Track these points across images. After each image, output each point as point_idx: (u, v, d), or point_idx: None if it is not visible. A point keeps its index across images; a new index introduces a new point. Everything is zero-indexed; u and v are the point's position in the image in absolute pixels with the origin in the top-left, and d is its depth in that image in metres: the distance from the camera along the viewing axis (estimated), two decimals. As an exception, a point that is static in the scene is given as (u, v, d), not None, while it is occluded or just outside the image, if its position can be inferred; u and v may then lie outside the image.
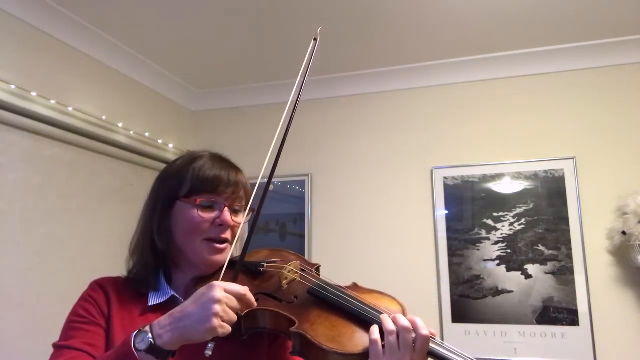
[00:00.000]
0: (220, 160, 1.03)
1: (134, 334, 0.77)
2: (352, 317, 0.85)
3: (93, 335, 0.89)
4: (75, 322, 0.91)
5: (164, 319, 0.78)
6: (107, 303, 0.94)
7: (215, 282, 0.78)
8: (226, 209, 0.98)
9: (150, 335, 0.76)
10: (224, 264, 0.90)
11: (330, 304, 0.88)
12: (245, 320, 0.85)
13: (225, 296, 0.76)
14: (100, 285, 0.97)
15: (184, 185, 0.98)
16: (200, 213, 0.96)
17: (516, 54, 2.58)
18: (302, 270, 0.99)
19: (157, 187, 1.03)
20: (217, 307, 0.74)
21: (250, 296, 0.82)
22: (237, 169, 1.04)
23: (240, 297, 0.79)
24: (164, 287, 0.97)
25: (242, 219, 1.02)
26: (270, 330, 0.88)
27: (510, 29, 2.35)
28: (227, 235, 0.98)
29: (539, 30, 2.37)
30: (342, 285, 0.95)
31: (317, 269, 1.03)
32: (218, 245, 0.97)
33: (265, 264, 0.99)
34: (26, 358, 1.87)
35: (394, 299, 0.92)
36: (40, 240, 2.03)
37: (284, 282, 0.94)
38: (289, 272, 0.96)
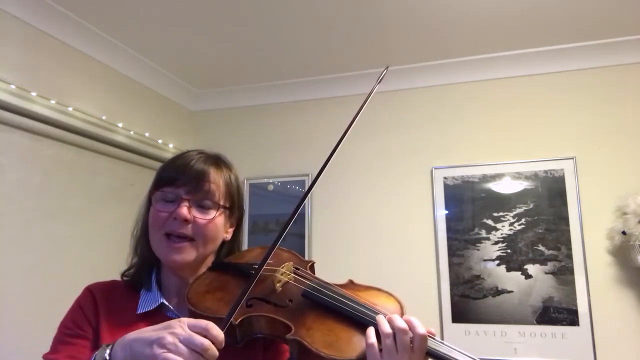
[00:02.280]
0: (197, 154, 0.97)
1: (97, 352, 0.75)
2: (348, 320, 0.83)
3: (79, 348, 0.88)
4: (62, 335, 0.91)
5: (129, 336, 0.74)
6: (95, 313, 0.92)
7: (182, 319, 0.74)
8: (183, 202, 0.91)
9: (108, 351, 0.73)
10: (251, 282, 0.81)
11: (326, 307, 0.85)
12: (240, 327, 0.83)
13: (183, 332, 0.70)
14: (91, 293, 0.95)
15: (154, 181, 0.97)
16: (158, 206, 0.93)
17: (516, 54, 2.58)
18: (296, 271, 0.96)
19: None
20: (167, 339, 0.69)
21: (216, 332, 0.72)
22: (210, 162, 0.97)
23: (204, 333, 0.72)
24: (155, 291, 0.95)
25: (212, 215, 0.94)
26: (267, 336, 0.87)
27: (510, 29, 2.35)
28: (186, 230, 0.91)
29: (539, 30, 2.37)
30: (337, 283, 0.92)
31: (312, 267, 1.00)
32: (174, 244, 0.91)
33: (257, 267, 0.96)
34: (26, 358, 1.87)
35: (391, 295, 0.90)
36: (40, 240, 2.02)
37: (278, 284, 0.90)
38: (282, 274, 0.92)
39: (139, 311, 0.93)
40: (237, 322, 0.82)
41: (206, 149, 1.03)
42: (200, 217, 0.93)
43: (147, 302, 0.94)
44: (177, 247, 0.92)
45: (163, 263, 0.97)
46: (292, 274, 0.94)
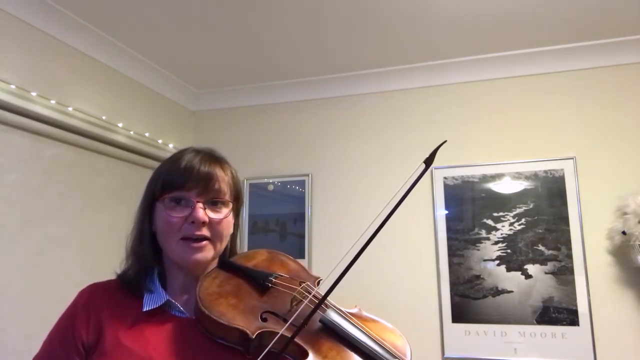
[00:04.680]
0: (196, 154, 0.97)
1: None
2: (364, 356, 0.83)
3: None
4: (47, 346, 0.93)
5: None
6: (89, 322, 0.90)
7: None
8: (198, 204, 0.91)
9: None
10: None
11: (342, 338, 0.85)
12: (254, 340, 0.82)
13: None
14: (87, 299, 0.94)
15: (157, 186, 0.96)
16: (170, 212, 0.92)
17: (516, 54, 2.58)
18: (310, 291, 0.94)
19: (144, 190, 1.01)
20: None
21: None
22: (213, 162, 0.97)
23: None
24: (159, 290, 0.94)
25: (224, 213, 0.95)
26: (279, 352, 0.85)
27: (510, 29, 2.35)
28: (203, 232, 0.92)
29: (539, 30, 2.37)
30: (347, 310, 0.92)
31: (318, 283, 1.00)
32: (193, 244, 0.92)
33: (273, 279, 0.94)
34: (26, 358, 1.87)
35: (396, 332, 0.90)
36: (40, 240, 2.03)
37: (294, 304, 0.90)
38: (300, 295, 0.91)
39: (145, 309, 0.91)
40: (254, 336, 0.82)
41: (196, 145, 1.03)
42: (215, 217, 0.94)
43: (152, 300, 0.93)
44: (197, 246, 0.92)
45: (179, 264, 0.96)
46: (309, 295, 0.93)
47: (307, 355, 0.80)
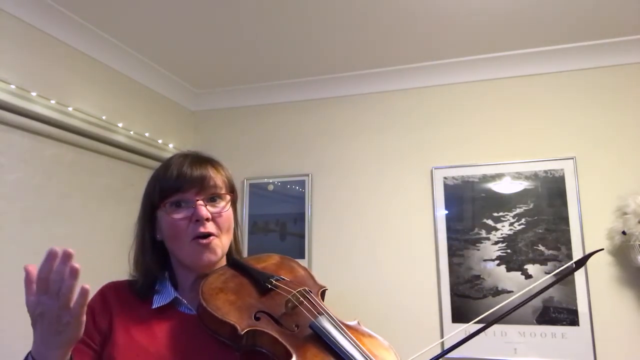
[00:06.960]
0: (184, 158, 1.01)
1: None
2: None
3: (81, 355, 0.91)
4: None
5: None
6: (106, 315, 0.95)
7: None
8: (199, 202, 0.95)
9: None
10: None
11: (329, 346, 0.84)
12: (244, 338, 0.84)
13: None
14: (102, 295, 0.99)
15: (155, 194, 0.99)
16: (174, 215, 0.95)
17: (516, 54, 2.58)
18: (309, 297, 0.94)
19: (141, 202, 1.03)
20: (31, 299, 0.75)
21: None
22: (203, 162, 1.00)
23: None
24: (169, 288, 0.98)
25: (223, 206, 0.99)
26: (267, 352, 0.86)
27: (510, 29, 2.35)
28: (209, 228, 0.95)
29: (539, 30, 2.37)
30: (346, 322, 0.90)
31: (323, 293, 1.00)
32: (202, 241, 0.94)
33: (273, 281, 0.95)
34: (26, 358, 1.87)
35: (392, 351, 0.87)
36: (40, 240, 2.02)
37: (289, 305, 0.91)
38: (295, 298, 0.92)
39: (154, 306, 0.96)
40: (242, 333, 0.83)
41: (178, 152, 1.07)
42: (215, 211, 0.97)
43: (161, 298, 0.97)
44: (205, 242, 0.95)
45: (190, 266, 0.98)
46: (305, 300, 0.93)
47: (290, 357, 0.80)
